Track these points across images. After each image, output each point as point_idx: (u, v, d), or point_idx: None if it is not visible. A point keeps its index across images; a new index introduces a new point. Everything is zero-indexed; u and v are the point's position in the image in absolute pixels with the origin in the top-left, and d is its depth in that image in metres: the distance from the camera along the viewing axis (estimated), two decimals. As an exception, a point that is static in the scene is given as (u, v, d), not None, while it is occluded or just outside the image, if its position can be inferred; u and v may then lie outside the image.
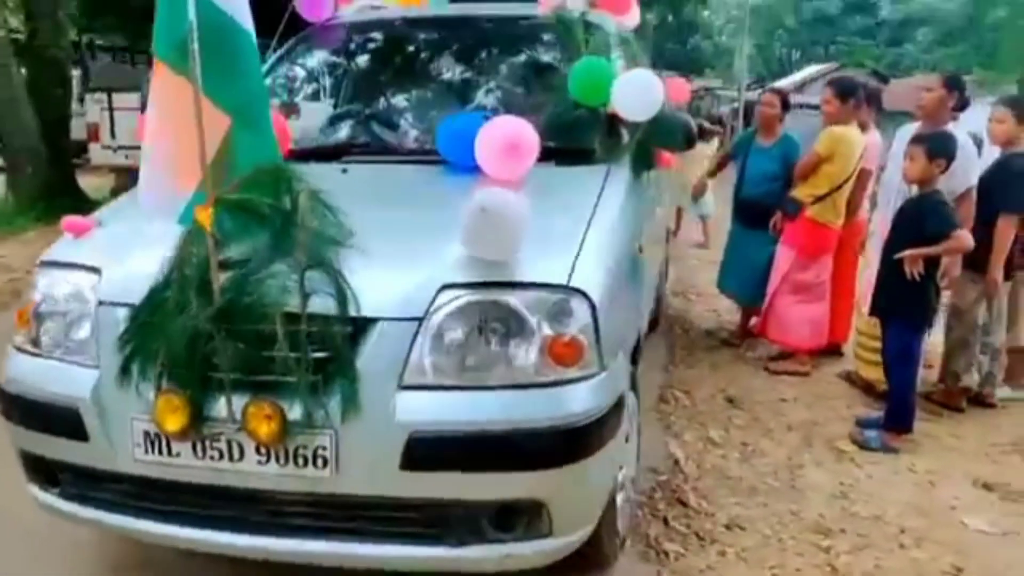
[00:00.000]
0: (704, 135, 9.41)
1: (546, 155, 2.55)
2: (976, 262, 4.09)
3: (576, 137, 2.67)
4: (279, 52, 3.25)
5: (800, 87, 28.02)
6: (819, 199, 4.49)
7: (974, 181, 4.01)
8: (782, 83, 26.42)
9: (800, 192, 4.57)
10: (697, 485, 3.25)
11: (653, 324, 5.00)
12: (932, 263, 3.66)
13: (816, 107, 4.97)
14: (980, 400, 4.35)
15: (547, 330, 1.92)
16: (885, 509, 3.20)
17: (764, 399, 4.26)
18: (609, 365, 2.04)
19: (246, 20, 1.82)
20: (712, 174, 5.58)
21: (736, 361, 4.86)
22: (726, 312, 5.70)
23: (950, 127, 4.05)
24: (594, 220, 2.23)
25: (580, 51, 2.71)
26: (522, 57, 3.18)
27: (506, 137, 2.27)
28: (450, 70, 3.15)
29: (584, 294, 1.97)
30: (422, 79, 3.15)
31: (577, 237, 2.11)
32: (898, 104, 18.27)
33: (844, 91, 4.46)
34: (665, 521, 2.93)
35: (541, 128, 2.62)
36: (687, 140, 2.89)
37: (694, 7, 39.29)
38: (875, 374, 4.18)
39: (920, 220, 3.64)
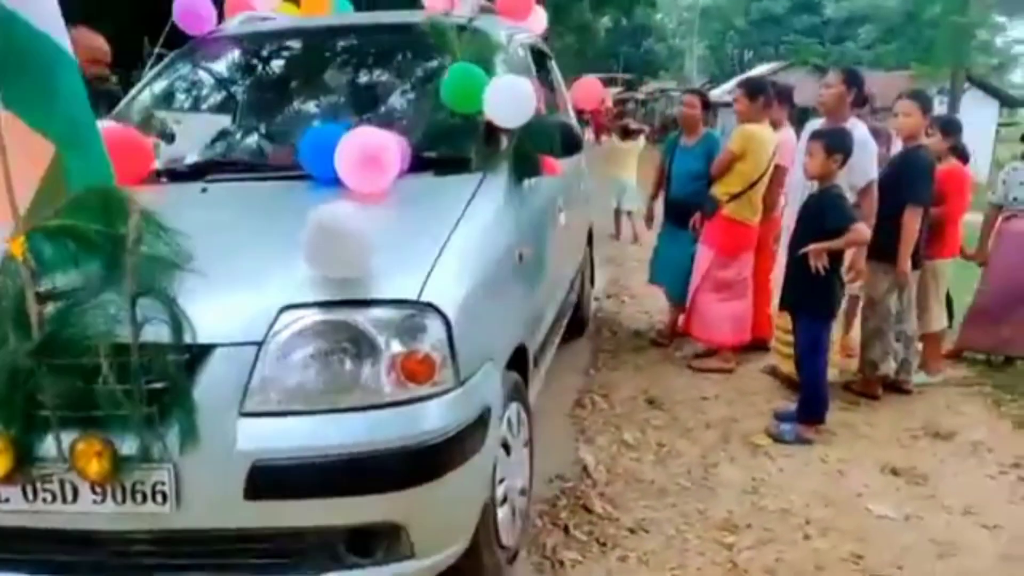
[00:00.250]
0: (631, 134, 9.63)
1: (421, 165, 2.53)
2: (886, 254, 4.15)
3: (451, 146, 2.65)
4: (157, 68, 3.18)
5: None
6: (734, 197, 4.53)
7: (874, 175, 4.07)
8: (730, 83, 26.72)
9: (716, 191, 4.60)
10: (605, 490, 3.23)
11: (579, 328, 5.00)
12: (835, 257, 3.71)
13: None
14: (897, 387, 4.41)
15: (396, 348, 1.88)
16: (793, 501, 3.22)
17: (685, 398, 4.27)
18: (470, 379, 2.01)
19: (63, 39, 1.76)
20: (656, 189, 5.46)
21: (663, 361, 4.86)
22: (658, 313, 5.70)
23: (851, 123, 4.11)
24: (457, 231, 2.20)
25: (455, 58, 2.68)
26: (400, 66, 3.14)
27: (365, 148, 2.23)
28: (325, 82, 3.10)
29: (436, 309, 1.94)
30: (295, 92, 3.11)
31: (434, 250, 2.07)
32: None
33: (752, 90, 4.52)
34: (566, 529, 2.91)
35: (414, 138, 2.61)
36: (569, 145, 2.89)
37: (645, 11, 39.78)
38: (792, 367, 4.21)
39: (821, 215, 3.69)
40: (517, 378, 2.55)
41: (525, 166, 2.73)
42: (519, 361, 2.61)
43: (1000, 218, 4.90)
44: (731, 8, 46.74)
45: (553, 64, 4.58)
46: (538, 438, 3.50)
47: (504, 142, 2.68)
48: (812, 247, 3.65)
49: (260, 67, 3.20)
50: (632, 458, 3.54)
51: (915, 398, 4.38)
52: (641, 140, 9.45)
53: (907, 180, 4.09)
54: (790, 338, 4.03)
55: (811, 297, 3.78)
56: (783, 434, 3.80)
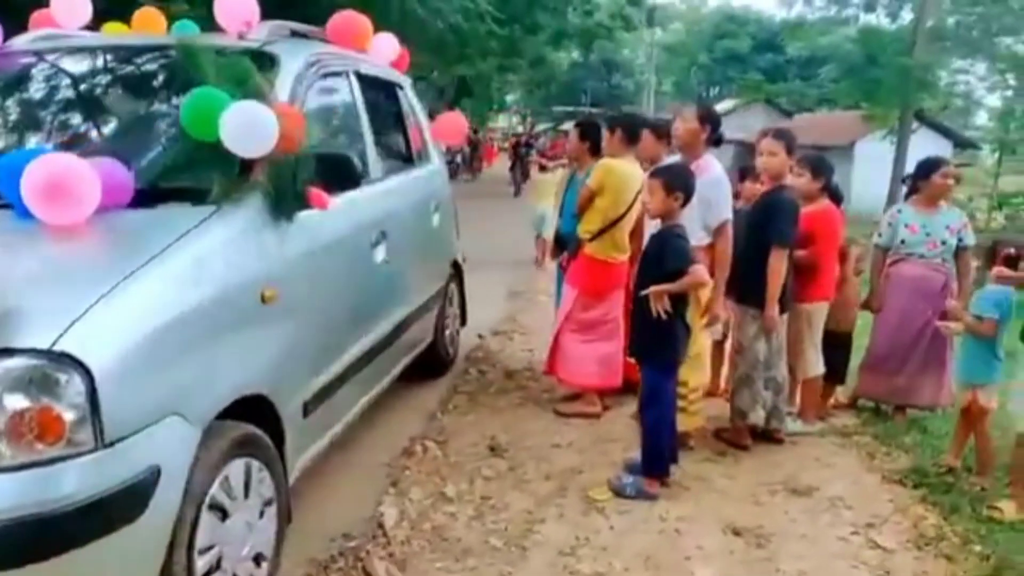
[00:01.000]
0: (544, 168, 9.59)
1: (152, 197, 2.29)
2: (752, 297, 3.97)
3: (187, 176, 2.41)
4: None
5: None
6: (596, 235, 4.31)
7: (728, 215, 3.89)
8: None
9: (580, 228, 4.40)
10: (398, 550, 2.95)
11: (439, 368, 4.75)
12: (679, 300, 3.49)
13: (731, 141, 4.73)
14: (769, 436, 4.19)
15: (17, 404, 1.62)
16: (612, 566, 2.96)
17: (535, 444, 4.01)
18: (127, 439, 1.75)
19: None
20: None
21: (525, 404, 4.60)
22: (542, 350, 5.45)
23: (705, 160, 3.93)
24: (141, 271, 1.95)
25: (206, 83, 2.44)
26: (150, 91, 2.90)
27: (49, 177, 1.98)
28: (66, 105, 2.85)
29: (75, 360, 1.68)
30: (27, 115, 2.84)
31: (92, 294, 1.81)
32: (802, 138, 18.76)
33: (612, 125, 4.33)
34: (330, 598, 2.63)
35: (145, 167, 2.37)
36: (342, 178, 2.68)
37: (612, 46, 40.18)
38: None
39: (661, 256, 3.48)
40: (252, 432, 2.28)
41: (283, 200, 2.49)
42: (261, 412, 2.35)
43: (887, 262, 4.73)
44: (696, 45, 47.39)
45: (406, 96, 4.39)
46: (332, 491, 3.29)
47: (258, 172, 2.44)
48: (652, 290, 3.44)
49: (10, 88, 2.93)
50: (447, 513, 3.27)
51: (785, 449, 4.16)
52: (559, 172, 9.38)
53: (770, 221, 3.92)
54: (680, 389, 3.81)
55: (653, 343, 3.56)
56: (624, 488, 3.56)
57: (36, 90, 2.90)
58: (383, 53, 4.22)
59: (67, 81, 2.89)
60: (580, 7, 23.17)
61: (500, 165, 26.73)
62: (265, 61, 2.86)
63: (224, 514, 2.15)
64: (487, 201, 17.73)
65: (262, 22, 3.15)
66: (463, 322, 5.18)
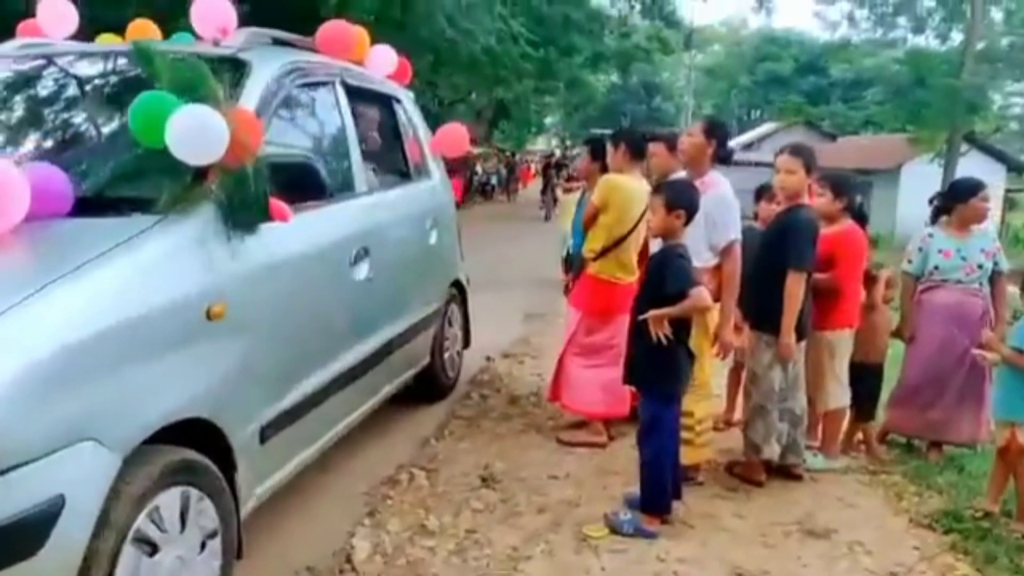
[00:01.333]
0: (568, 190, 9.39)
1: (96, 206, 2.16)
2: (767, 323, 3.71)
3: (134, 185, 2.28)
4: None
5: (749, 145, 28.36)
6: (601, 254, 4.10)
7: (736, 235, 3.65)
8: (735, 141, 26.63)
9: (585, 247, 4.20)
10: (366, 588, 2.75)
11: (437, 393, 4.56)
12: (681, 326, 3.26)
13: (768, 164, 4.46)
14: (787, 472, 3.91)
15: None
16: (598, 610, 2.72)
17: (531, 475, 3.79)
18: (19, 468, 1.59)
19: None
20: None
21: (527, 431, 4.38)
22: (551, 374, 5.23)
23: (711, 177, 3.71)
24: (57, 285, 1.81)
25: (159, 86, 2.31)
26: (106, 97, 2.79)
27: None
28: (25, 112, 2.75)
29: None
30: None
31: None
32: (845, 161, 18.31)
33: (616, 139, 4.13)
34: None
35: (89, 175, 2.25)
36: (306, 188, 2.53)
37: (651, 68, 39.99)
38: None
39: (660, 278, 3.25)
40: (191, 458, 2.11)
41: (237, 210, 2.34)
42: (206, 437, 2.19)
43: (919, 289, 4.42)
44: (736, 67, 46.84)
45: (404, 108, 4.25)
46: (303, 521, 3.09)
47: (212, 182, 2.29)
48: (650, 314, 3.22)
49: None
50: (426, 547, 3.06)
51: (803, 486, 3.87)
52: (578, 194, 9.24)
53: (786, 242, 3.67)
54: (685, 420, 3.58)
55: (652, 371, 3.33)
56: (621, 525, 3.31)
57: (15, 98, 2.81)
58: (380, 65, 4.10)
59: (23, 89, 2.78)
60: (617, 30, 23.07)
61: (536, 187, 26.60)
62: (236, 68, 2.74)
63: (153, 548, 1.97)
64: (518, 223, 17.60)
65: (240, 29, 3.03)
66: (466, 344, 4.98)
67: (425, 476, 3.66)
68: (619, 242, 4.04)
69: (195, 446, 2.19)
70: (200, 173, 2.27)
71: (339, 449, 3.70)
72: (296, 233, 2.70)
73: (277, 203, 2.44)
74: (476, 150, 34.15)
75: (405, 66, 4.45)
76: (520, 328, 6.79)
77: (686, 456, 3.63)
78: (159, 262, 2.07)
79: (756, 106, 47.98)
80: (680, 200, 3.26)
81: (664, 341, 3.20)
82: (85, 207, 2.16)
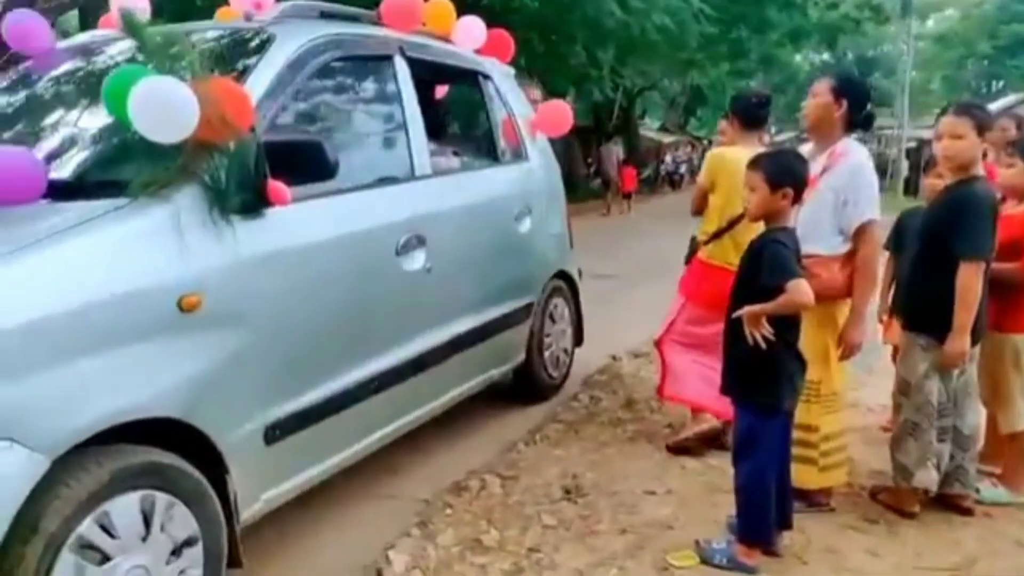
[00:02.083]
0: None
1: (75, 190, 2.08)
2: (927, 323, 3.04)
3: (113, 167, 2.17)
4: None
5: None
6: (713, 237, 3.59)
7: (872, 214, 3.00)
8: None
9: (699, 230, 3.71)
10: (388, 609, 2.50)
11: (537, 393, 4.23)
12: (785, 325, 2.71)
13: None
14: (952, 504, 3.20)
15: None
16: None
17: (625, 489, 3.36)
18: None
19: None
20: None
21: (637, 439, 3.93)
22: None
23: (843, 145, 3.08)
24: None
25: (148, 61, 2.19)
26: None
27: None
28: (32, 100, 2.74)
29: None
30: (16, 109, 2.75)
31: None
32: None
33: (735, 109, 3.59)
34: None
35: (65, 156, 2.17)
36: (310, 169, 2.31)
37: (868, 41, 36.67)
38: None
39: (756, 268, 2.72)
40: (157, 461, 1.96)
41: (226, 193, 2.16)
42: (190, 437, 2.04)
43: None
44: (975, 32, 41.46)
45: (494, 85, 3.94)
46: (341, 529, 2.89)
47: (193, 162, 2.13)
48: (744, 311, 2.69)
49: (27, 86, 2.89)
50: (476, 565, 2.75)
51: (972, 523, 3.13)
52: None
53: (955, 224, 2.96)
54: (807, 436, 3.05)
55: (748, 378, 2.79)
56: (712, 555, 2.82)
57: (26, 87, 2.85)
58: (468, 38, 3.83)
59: (47, 78, 2.80)
60: (822, 0, 21.12)
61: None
62: (257, 43, 2.59)
63: (104, 556, 1.83)
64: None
65: (280, 3, 2.89)
66: (578, 342, 4.60)
67: (499, 484, 3.34)
68: (733, 223, 3.49)
69: (175, 447, 2.04)
70: (181, 153, 2.11)
71: (412, 449, 3.51)
72: (313, 219, 2.51)
73: (276, 186, 2.23)
74: (666, 139, 33.22)
75: (503, 41, 4.16)
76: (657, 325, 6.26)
77: (808, 479, 3.07)
78: (116, 248, 1.94)
79: (997, 76, 42.37)
80: (786, 175, 2.69)
81: (762, 343, 2.66)
82: (61, 192, 2.07)
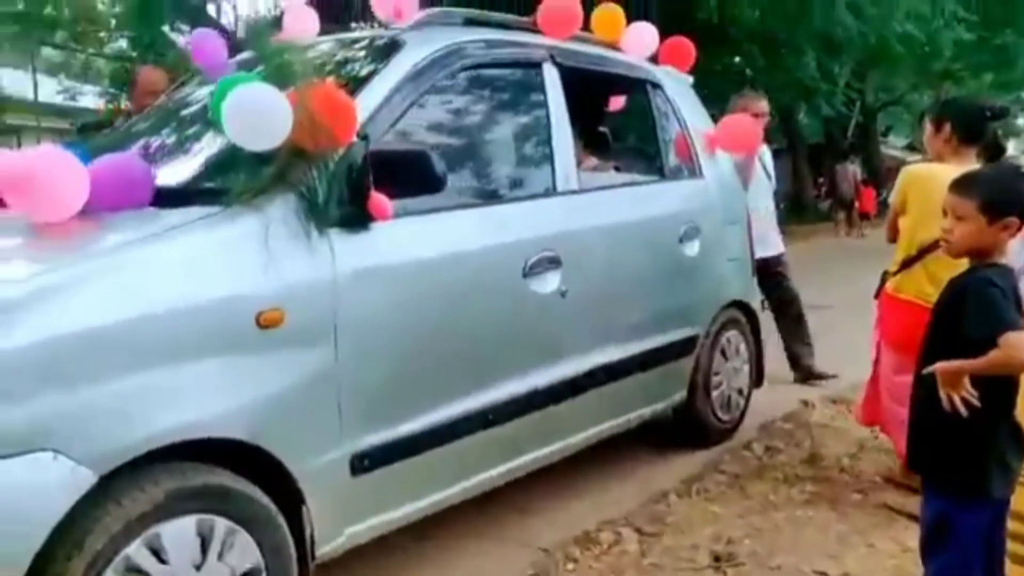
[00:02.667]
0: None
1: (184, 196, 2.07)
2: None
3: (219, 174, 2.13)
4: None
5: None
6: (904, 266, 3.02)
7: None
8: None
9: (895, 259, 3.15)
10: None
11: (702, 435, 3.77)
12: (1000, 389, 2.13)
13: None
14: None
15: None
16: None
17: (791, 565, 2.84)
18: None
19: None
20: None
21: (817, 502, 3.34)
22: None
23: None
24: (42, 278, 1.70)
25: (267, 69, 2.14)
26: None
27: (9, 170, 1.85)
28: (178, 108, 2.77)
29: None
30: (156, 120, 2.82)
31: None
32: None
33: (939, 115, 2.99)
34: None
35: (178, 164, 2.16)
36: (417, 182, 2.14)
37: None
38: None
39: (958, 314, 2.16)
40: (220, 484, 1.87)
41: (323, 205, 2.05)
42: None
43: None
44: None
45: (665, 96, 3.58)
46: (434, 567, 2.63)
47: (290, 172, 2.04)
48: (939, 366, 2.14)
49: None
50: (588, 636, 2.42)
51: None
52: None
53: None
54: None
55: (942, 452, 2.22)
56: (883, 667, 2.28)
57: (184, 99, 2.94)
58: (637, 45, 3.53)
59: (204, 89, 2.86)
60: None
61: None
62: (386, 51, 2.49)
63: (165, 587, 1.76)
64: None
65: (425, 10, 2.77)
66: (758, 382, 4.07)
67: (637, 540, 2.96)
68: (924, 252, 2.90)
69: (249, 471, 1.94)
70: (281, 162, 2.02)
71: (545, 488, 3.22)
72: (422, 234, 2.33)
73: (378, 199, 2.09)
74: (912, 158, 30.04)
75: (681, 49, 3.80)
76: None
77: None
78: (195, 257, 1.87)
79: None
80: (1011, 203, 2.11)
81: (963, 410, 2.09)
82: (170, 198, 2.06)
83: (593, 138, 3.71)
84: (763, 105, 4.54)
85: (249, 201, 1.98)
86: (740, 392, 3.91)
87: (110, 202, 1.99)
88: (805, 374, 4.86)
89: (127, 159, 2.13)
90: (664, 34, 3.79)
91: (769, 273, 4.62)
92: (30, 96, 15.84)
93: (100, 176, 1.96)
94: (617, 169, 3.57)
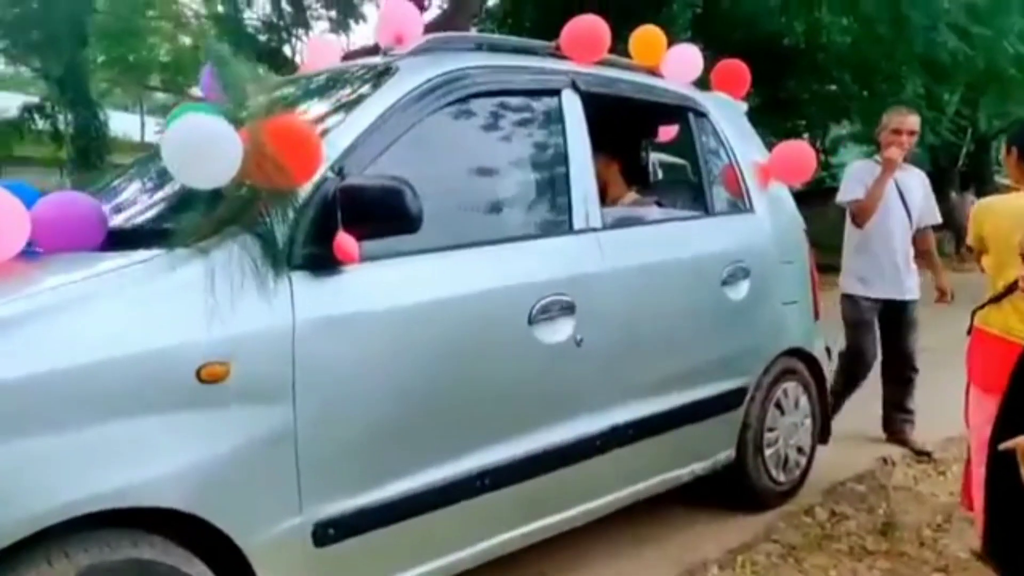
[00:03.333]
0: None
1: (137, 238, 1.94)
2: None
3: (166, 216, 2.00)
4: None
5: None
6: (992, 300, 2.67)
7: None
8: None
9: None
10: None
11: (754, 499, 3.38)
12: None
13: None
14: None
15: None
16: None
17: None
18: None
19: None
20: None
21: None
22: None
23: None
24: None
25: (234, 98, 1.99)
26: None
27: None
28: None
29: None
30: None
31: None
32: None
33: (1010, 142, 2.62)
34: None
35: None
36: (397, 220, 1.93)
37: None
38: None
39: None
40: (145, 559, 1.68)
41: (284, 247, 1.87)
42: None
43: None
44: None
45: (711, 124, 3.28)
46: None
47: (250, 212, 1.87)
48: (1019, 441, 1.78)
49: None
50: None
51: None
52: None
53: None
54: None
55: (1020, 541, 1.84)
56: None
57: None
58: (679, 70, 3.25)
59: None
60: None
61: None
62: (379, 79, 2.33)
63: None
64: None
65: (427, 36, 2.60)
66: (822, 439, 3.65)
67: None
68: (1009, 290, 2.53)
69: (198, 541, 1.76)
70: (232, 202, 1.86)
71: (567, 552, 2.92)
72: (401, 278, 2.12)
73: (343, 241, 1.89)
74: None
75: (734, 73, 3.50)
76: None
77: None
78: (126, 305, 1.71)
79: None
80: None
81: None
82: (120, 241, 1.93)
83: (633, 171, 3.43)
84: (908, 121, 4.02)
85: (196, 244, 1.81)
86: (800, 450, 3.50)
87: (57, 243, 1.88)
88: (897, 443, 4.26)
89: (73, 198, 2.02)
90: (748, 61, 3.52)
91: (892, 320, 4.13)
92: (136, 137, 16.78)
93: (44, 217, 1.85)
94: (659, 204, 3.28)
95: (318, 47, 3.16)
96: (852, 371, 4.21)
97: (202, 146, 1.75)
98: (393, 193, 1.93)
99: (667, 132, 3.77)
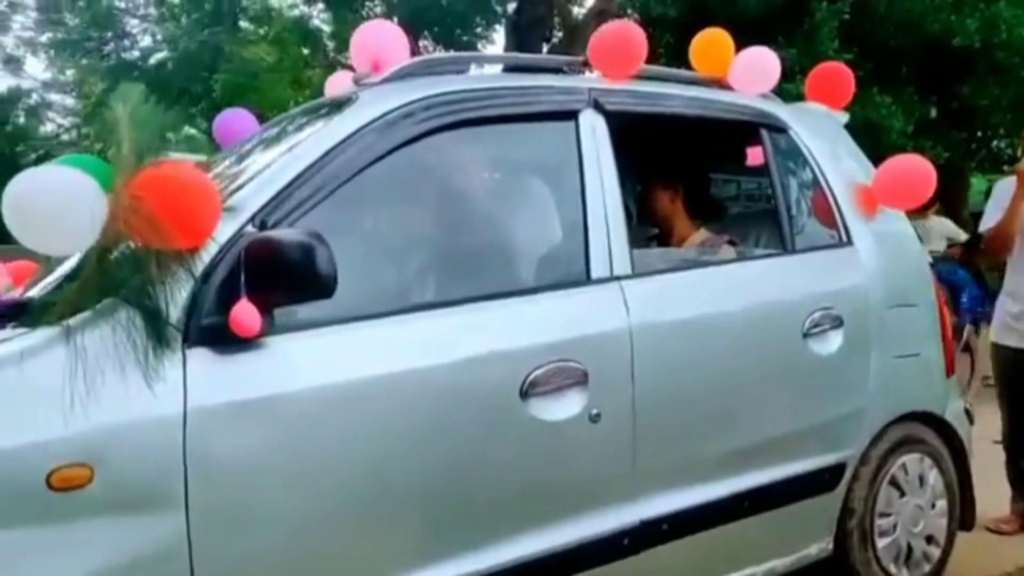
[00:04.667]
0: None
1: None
2: None
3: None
4: None
5: None
6: None
7: None
8: None
9: None
10: None
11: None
12: None
13: None
14: None
15: None
16: None
17: None
18: None
19: None
20: None
21: None
22: None
23: None
24: None
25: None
26: None
27: None
28: None
29: None
30: None
31: None
32: None
33: None
34: None
35: None
36: (304, 282, 1.58)
37: None
38: None
39: None
40: None
41: (188, 319, 1.58)
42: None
43: None
44: None
45: (791, 141, 2.69)
46: None
47: (134, 280, 1.58)
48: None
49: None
50: None
51: None
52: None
53: None
54: None
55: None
56: None
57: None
58: (749, 79, 2.70)
59: None
60: None
61: None
62: (326, 115, 2.02)
63: None
64: None
65: (410, 60, 2.25)
66: (963, 523, 2.88)
67: None
68: None
69: None
70: (95, 269, 1.58)
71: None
72: (344, 349, 1.76)
73: (241, 310, 1.56)
74: None
75: (835, 79, 2.91)
76: None
77: None
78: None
79: None
80: None
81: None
82: (8, 314, 1.69)
83: (700, 205, 2.89)
84: None
85: (60, 320, 1.54)
86: (930, 539, 2.76)
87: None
88: None
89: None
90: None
91: None
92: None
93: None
94: (732, 244, 2.72)
95: (336, 80, 2.92)
96: (1014, 441, 3.37)
97: (46, 204, 1.48)
98: (299, 249, 1.57)
99: (755, 155, 3.19)
